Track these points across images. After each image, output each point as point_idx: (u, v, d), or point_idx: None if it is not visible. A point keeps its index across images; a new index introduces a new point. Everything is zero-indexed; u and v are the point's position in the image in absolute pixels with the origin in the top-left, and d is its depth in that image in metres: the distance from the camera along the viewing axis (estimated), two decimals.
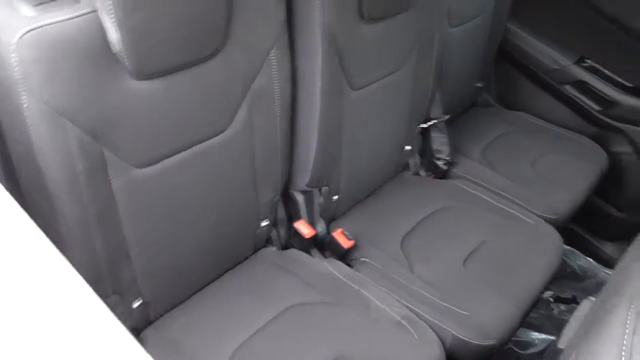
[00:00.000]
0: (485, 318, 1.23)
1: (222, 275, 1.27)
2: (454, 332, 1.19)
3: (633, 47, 1.76)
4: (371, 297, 1.22)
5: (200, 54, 0.98)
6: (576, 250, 1.97)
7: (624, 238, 1.99)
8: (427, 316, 1.22)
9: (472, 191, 1.63)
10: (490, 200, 1.60)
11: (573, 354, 0.57)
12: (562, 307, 1.89)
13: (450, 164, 1.70)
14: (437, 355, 1.12)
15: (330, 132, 1.30)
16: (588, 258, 2.01)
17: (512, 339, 1.37)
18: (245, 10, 1.02)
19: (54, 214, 0.89)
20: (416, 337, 1.14)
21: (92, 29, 0.82)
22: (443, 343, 1.16)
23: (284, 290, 1.23)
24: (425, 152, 1.72)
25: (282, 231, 1.38)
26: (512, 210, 1.55)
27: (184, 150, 1.03)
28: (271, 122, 1.18)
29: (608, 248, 2.05)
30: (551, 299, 1.87)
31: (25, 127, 0.82)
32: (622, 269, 0.74)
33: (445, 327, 1.20)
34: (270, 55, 1.11)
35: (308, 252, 1.37)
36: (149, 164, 0.98)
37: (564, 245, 1.49)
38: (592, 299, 1.40)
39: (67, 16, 0.80)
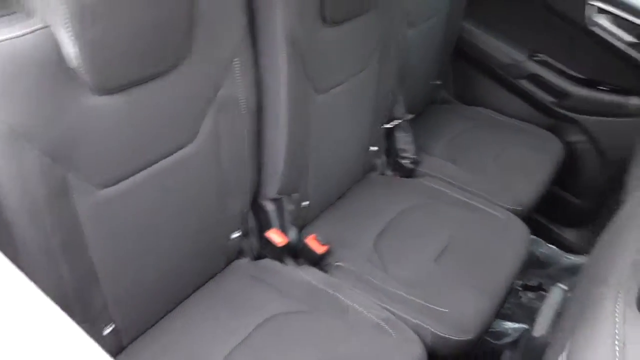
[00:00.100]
0: (463, 313, 1.24)
1: (196, 291, 1.23)
2: (433, 330, 1.20)
3: (582, 41, 1.83)
4: (348, 302, 1.22)
5: (163, 66, 0.95)
6: (538, 238, 2.03)
7: (582, 224, 2.09)
8: (405, 316, 1.22)
9: (438, 188, 1.65)
10: (456, 195, 1.62)
11: (567, 344, 0.58)
12: (530, 294, 1.94)
13: (415, 162, 1.72)
14: (418, 354, 1.12)
15: (298, 138, 1.28)
16: (550, 245, 2.08)
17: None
18: (207, 19, 0.99)
19: (12, 242, 0.84)
20: (396, 338, 1.14)
21: (47, 44, 0.78)
22: (423, 341, 1.17)
23: (260, 301, 1.21)
24: (391, 152, 1.73)
25: (254, 241, 1.36)
26: (478, 204, 1.58)
27: (150, 166, 1.00)
28: (238, 132, 1.16)
29: (568, 234, 2.12)
30: (519, 288, 1.92)
31: None
32: (599, 257, 0.76)
33: (424, 325, 1.21)
34: (234, 63, 1.08)
35: (282, 260, 1.36)
36: (115, 184, 0.94)
37: None
38: (562, 286, 1.45)
39: (20, 32, 0.76)
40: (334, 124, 1.43)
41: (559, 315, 1.33)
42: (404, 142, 1.71)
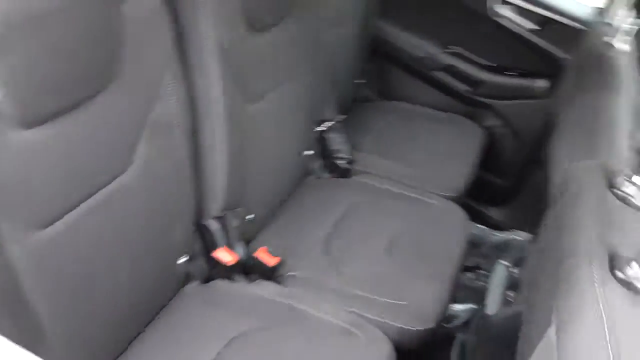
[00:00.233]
0: (421, 303, 1.27)
1: (148, 325, 1.15)
2: (396, 325, 1.21)
3: (489, 31, 1.94)
4: (310, 311, 1.20)
5: (89, 91, 0.88)
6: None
7: (505, 202, 2.21)
8: (368, 315, 1.22)
9: (375, 184, 1.67)
10: (393, 189, 1.65)
11: (552, 317, 0.60)
12: (470, 275, 2.03)
13: (350, 161, 1.73)
14: (387, 351, 1.13)
15: (237, 151, 1.24)
16: (479, 225, 2.18)
17: None
18: (132, 38, 0.93)
19: None
20: (364, 339, 1.14)
21: None
22: (389, 338, 1.18)
23: (219, 326, 1.16)
24: (325, 154, 1.73)
25: (202, 264, 1.30)
26: (416, 195, 1.62)
27: (86, 200, 0.92)
28: (175, 153, 1.10)
29: (493, 213, 2.24)
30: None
31: None
32: (554, 234, 0.80)
33: (387, 321, 1.22)
34: (164, 80, 1.03)
35: (233, 279, 1.31)
36: (50, 224, 0.86)
37: None
38: (504, 262, 1.52)
39: None
40: (269, 132, 1.41)
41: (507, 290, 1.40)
42: (338, 143, 1.72)
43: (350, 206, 1.56)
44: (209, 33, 1.07)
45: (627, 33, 1.38)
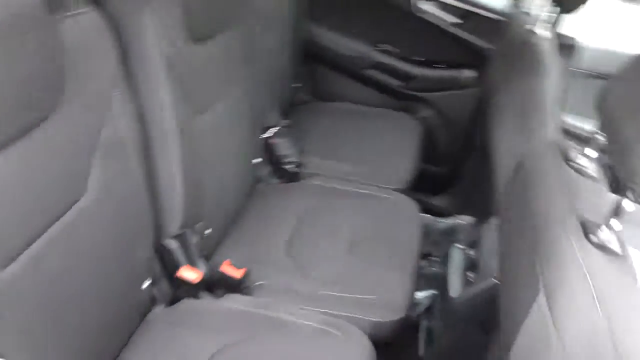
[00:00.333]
0: (390, 295, 1.30)
1: (120, 353, 1.10)
2: (370, 319, 1.23)
3: (414, 27, 2.02)
4: (283, 317, 1.19)
5: (34, 120, 0.83)
6: None
7: (444, 189, 2.30)
8: (340, 313, 1.23)
9: (326, 185, 1.69)
10: (344, 187, 1.68)
11: (539, 286, 0.64)
12: (423, 262, 2.09)
13: (299, 165, 1.74)
14: (366, 346, 1.15)
15: (191, 166, 1.21)
16: (425, 214, 2.26)
17: None
18: (76, 58, 0.88)
19: None
20: (341, 337, 1.15)
21: None
22: (364, 332, 1.19)
23: (195, 344, 1.12)
24: (273, 160, 1.73)
25: (165, 286, 1.25)
26: (367, 191, 1.66)
27: (45, 231, 0.86)
28: (130, 173, 1.06)
29: (435, 201, 2.33)
30: None
31: None
32: (516, 213, 0.84)
33: (361, 317, 1.23)
34: (113, 99, 0.98)
35: (199, 297, 1.27)
36: (9, 262, 0.80)
37: None
38: (459, 246, 1.58)
39: None
40: (218, 143, 1.38)
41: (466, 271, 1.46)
42: (285, 148, 1.72)
43: (305, 209, 1.57)
44: (154, 47, 1.04)
45: (546, 20, 1.49)
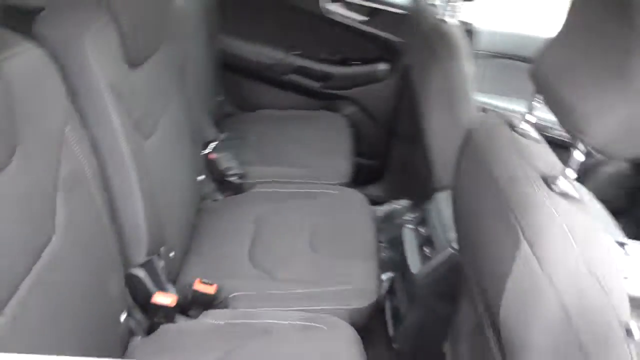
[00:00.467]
0: (360, 282, 1.37)
1: None
2: (347, 307, 1.29)
3: (326, 28, 2.11)
4: (266, 322, 1.21)
5: None
6: None
7: (376, 179, 2.41)
8: (319, 307, 1.28)
9: (273, 190, 1.72)
10: (291, 190, 1.73)
11: (519, 237, 0.73)
12: None
13: (242, 176, 1.75)
14: (351, 333, 1.20)
15: (148, 192, 1.20)
16: None
17: None
18: (27, 96, 0.85)
19: None
20: (326, 329, 1.19)
21: None
22: (345, 321, 1.25)
23: None
24: (216, 175, 1.73)
25: (140, 316, 1.23)
26: (315, 190, 1.72)
27: (21, 282, 0.83)
28: (93, 206, 1.03)
29: (370, 191, 2.44)
30: None
31: None
32: (469, 183, 0.94)
33: (338, 307, 1.29)
34: (66, 136, 0.96)
35: (175, 321, 1.26)
36: None
37: None
38: (409, 226, 1.68)
39: None
40: (166, 165, 1.37)
41: (421, 248, 1.56)
42: (225, 161, 1.73)
43: (259, 217, 1.59)
44: (99, 76, 1.02)
45: (453, 9, 1.63)
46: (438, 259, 1.39)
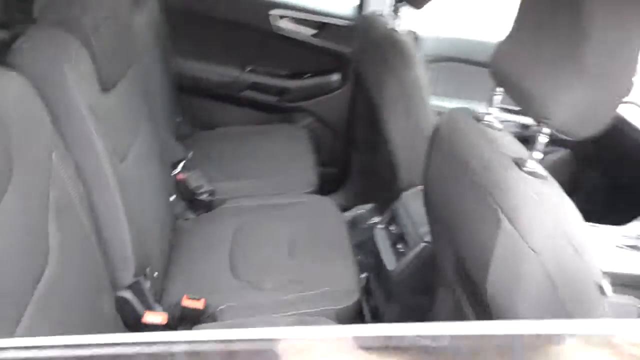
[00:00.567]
0: (342, 282, 1.42)
1: None
2: (334, 307, 1.34)
3: (278, 44, 2.18)
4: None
5: None
6: None
7: (337, 187, 2.48)
8: (308, 310, 1.32)
9: (244, 204, 1.75)
10: (262, 202, 1.76)
11: (500, 217, 0.81)
12: None
13: (212, 193, 1.77)
14: None
15: (130, 213, 1.20)
16: None
17: None
18: (15, 127, 0.86)
19: None
20: None
21: None
22: (334, 321, 1.30)
23: None
24: (186, 194, 1.74)
25: None
26: (284, 200, 1.76)
27: (25, 310, 0.83)
28: (82, 231, 1.04)
29: (334, 198, 2.50)
30: None
31: None
32: (453, 165, 1.01)
33: (325, 308, 1.34)
34: (53, 163, 0.97)
35: None
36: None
37: None
38: (380, 226, 1.75)
39: None
40: (142, 187, 1.38)
41: (394, 246, 1.63)
42: (195, 179, 1.74)
43: (234, 231, 1.62)
44: (80, 101, 1.03)
45: (400, 18, 1.73)
46: (412, 253, 1.47)
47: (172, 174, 1.68)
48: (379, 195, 1.92)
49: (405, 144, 1.58)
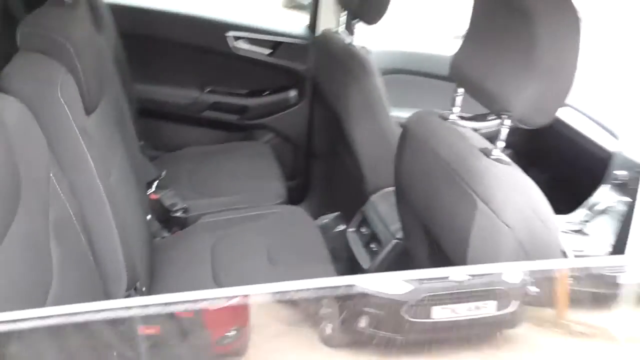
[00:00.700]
0: None
1: None
2: None
3: (236, 64, 2.26)
4: None
5: (8, 221, 0.83)
6: None
7: (301, 199, 2.56)
8: None
9: (219, 219, 1.80)
10: (236, 215, 1.81)
11: (475, 197, 0.92)
12: None
13: (186, 210, 1.81)
14: None
15: (121, 230, 1.24)
16: None
17: None
18: (19, 149, 0.89)
19: None
20: None
21: None
22: None
23: None
24: (161, 213, 1.77)
25: None
26: (258, 211, 1.82)
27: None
28: (80, 248, 1.07)
29: (307, 203, 2.57)
30: None
31: None
32: (426, 159, 1.13)
33: None
34: (51, 182, 1.00)
35: None
36: None
37: None
38: (350, 229, 1.85)
39: None
40: (124, 205, 1.41)
41: (367, 246, 1.73)
42: (168, 198, 1.78)
43: (212, 245, 1.66)
44: (72, 123, 1.07)
45: (354, 34, 1.86)
46: (385, 250, 1.57)
47: (148, 193, 1.70)
48: (343, 202, 2.02)
49: (371, 150, 1.69)
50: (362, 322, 0.72)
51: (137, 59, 2.10)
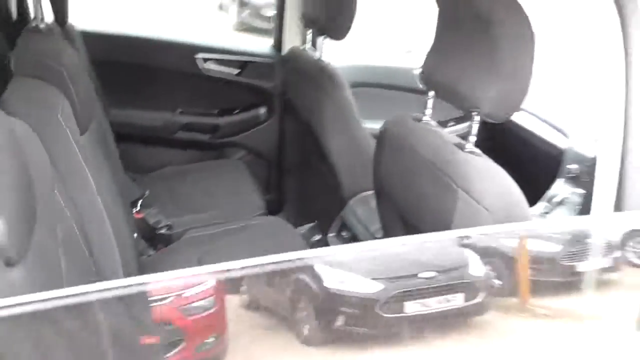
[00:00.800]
0: None
1: None
2: None
3: (205, 84, 2.33)
4: None
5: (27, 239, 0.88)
6: None
7: (277, 212, 2.61)
8: None
9: (204, 233, 1.85)
10: (221, 229, 1.87)
11: (455, 186, 1.03)
12: None
13: (170, 227, 1.85)
14: None
15: (123, 247, 1.28)
16: None
17: None
18: (35, 171, 0.94)
19: None
20: None
21: None
22: None
23: None
24: (146, 231, 1.80)
25: None
26: (240, 224, 1.88)
27: None
28: (85, 263, 1.11)
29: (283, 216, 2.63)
30: None
31: None
32: (404, 156, 1.23)
33: None
34: (56, 198, 1.04)
35: None
36: None
37: None
38: (331, 234, 1.93)
39: None
40: (112, 223, 1.45)
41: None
42: (152, 216, 1.81)
43: (200, 259, 1.71)
44: (72, 142, 1.12)
45: (320, 50, 1.97)
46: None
47: (133, 212, 1.74)
48: (319, 211, 2.10)
49: (346, 158, 1.79)
50: (339, 321, 0.75)
51: (109, 84, 2.14)
